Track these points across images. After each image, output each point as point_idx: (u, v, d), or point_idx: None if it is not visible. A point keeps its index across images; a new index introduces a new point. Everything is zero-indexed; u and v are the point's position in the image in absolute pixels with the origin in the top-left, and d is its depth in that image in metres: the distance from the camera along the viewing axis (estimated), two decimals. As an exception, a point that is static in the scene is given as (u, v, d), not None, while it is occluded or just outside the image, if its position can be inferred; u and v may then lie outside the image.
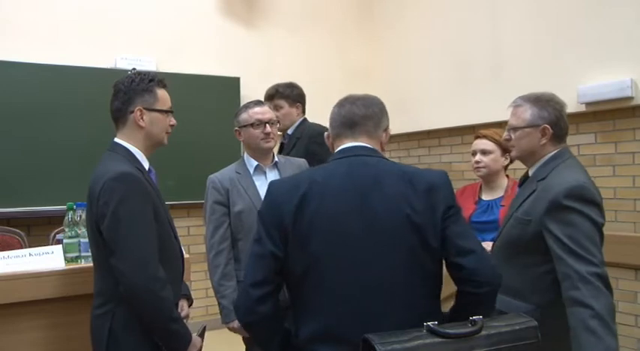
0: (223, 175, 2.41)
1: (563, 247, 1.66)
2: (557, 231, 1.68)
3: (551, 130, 1.82)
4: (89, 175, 1.70)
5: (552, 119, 1.82)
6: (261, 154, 2.50)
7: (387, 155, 4.56)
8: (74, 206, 2.07)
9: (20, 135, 3.57)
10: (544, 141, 1.83)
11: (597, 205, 1.72)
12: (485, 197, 2.64)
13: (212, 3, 4.43)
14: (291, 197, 1.43)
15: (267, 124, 2.45)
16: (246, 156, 2.50)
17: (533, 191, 1.82)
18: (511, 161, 2.63)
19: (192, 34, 4.29)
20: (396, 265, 1.39)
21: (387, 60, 4.97)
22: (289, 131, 3.08)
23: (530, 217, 1.78)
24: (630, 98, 3.15)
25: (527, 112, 1.84)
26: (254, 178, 2.41)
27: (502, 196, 2.59)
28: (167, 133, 1.83)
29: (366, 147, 1.53)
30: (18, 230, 3.02)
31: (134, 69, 3.85)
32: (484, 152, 2.61)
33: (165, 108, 1.81)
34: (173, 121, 1.85)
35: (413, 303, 1.40)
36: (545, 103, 1.84)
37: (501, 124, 4.03)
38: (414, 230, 1.39)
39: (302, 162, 2.62)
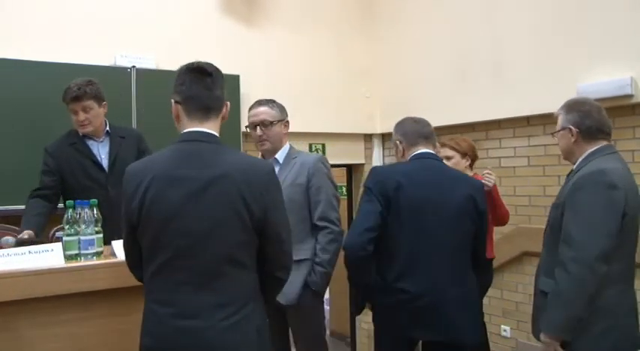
0: None
1: (565, 231, 1.99)
2: (566, 214, 2.00)
3: (575, 130, 2.10)
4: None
5: (576, 120, 2.11)
6: (264, 154, 2.49)
7: (387, 153, 4.60)
8: (74, 204, 2.06)
9: (19, 133, 3.55)
10: (573, 139, 2.12)
11: (614, 187, 1.92)
12: None
13: (212, 1, 4.42)
14: (392, 179, 2.17)
15: (257, 127, 2.42)
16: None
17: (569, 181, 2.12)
18: (472, 161, 3.06)
19: (192, 31, 4.28)
20: (451, 239, 2.19)
21: (387, 59, 4.96)
22: (109, 129, 2.95)
23: (559, 201, 2.09)
24: (630, 96, 3.15)
25: (560, 118, 2.19)
26: None
27: None
28: None
29: (434, 153, 2.32)
30: (17, 228, 3.02)
31: (134, 67, 3.84)
32: (447, 158, 3.01)
33: None
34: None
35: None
36: (569, 107, 2.16)
37: (500, 122, 4.05)
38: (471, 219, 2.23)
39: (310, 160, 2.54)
